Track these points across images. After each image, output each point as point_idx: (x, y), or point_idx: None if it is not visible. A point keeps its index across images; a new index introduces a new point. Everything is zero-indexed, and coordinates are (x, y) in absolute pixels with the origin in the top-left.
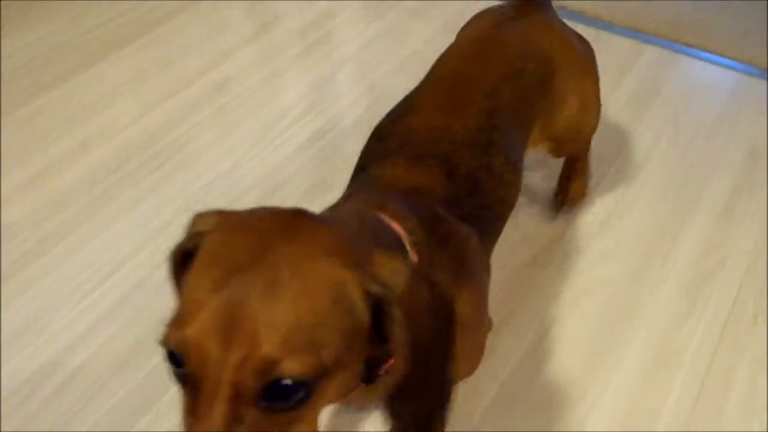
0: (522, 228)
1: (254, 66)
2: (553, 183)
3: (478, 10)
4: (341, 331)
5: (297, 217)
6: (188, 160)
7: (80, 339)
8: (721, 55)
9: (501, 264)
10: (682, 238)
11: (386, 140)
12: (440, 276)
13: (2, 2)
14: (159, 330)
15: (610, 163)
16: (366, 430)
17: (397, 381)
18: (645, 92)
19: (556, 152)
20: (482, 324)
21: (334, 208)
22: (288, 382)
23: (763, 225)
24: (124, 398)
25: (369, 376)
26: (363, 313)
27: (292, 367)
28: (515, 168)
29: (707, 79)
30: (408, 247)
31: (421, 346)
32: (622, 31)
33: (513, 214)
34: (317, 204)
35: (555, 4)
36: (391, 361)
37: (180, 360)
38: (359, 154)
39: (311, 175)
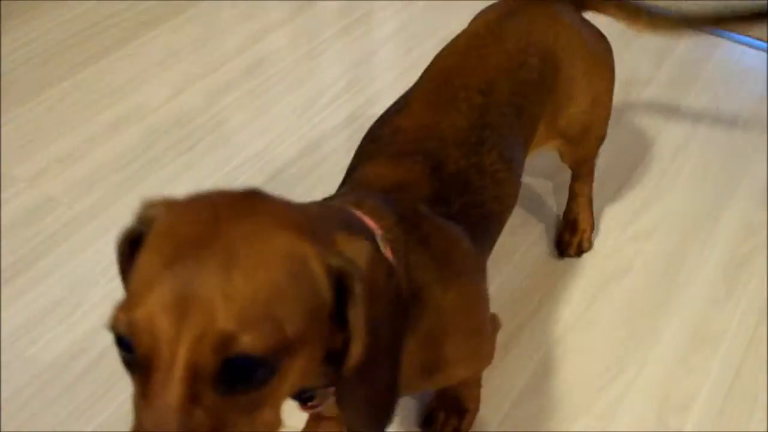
0: (558, 211)
1: (291, 46)
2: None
3: None
4: (302, 305)
5: (251, 195)
6: (220, 141)
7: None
8: (762, 40)
9: (528, 246)
10: (720, 223)
11: (376, 141)
12: (420, 276)
13: None
14: None
15: (649, 146)
16: None
17: (350, 367)
18: (685, 75)
19: (567, 153)
20: (480, 329)
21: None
22: (247, 357)
23: None
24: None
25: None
26: (325, 288)
27: (250, 342)
28: (510, 166)
29: (748, 63)
30: (381, 245)
31: (377, 329)
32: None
33: (543, 200)
34: None
35: None
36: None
37: (130, 344)
38: (352, 157)
39: (347, 156)
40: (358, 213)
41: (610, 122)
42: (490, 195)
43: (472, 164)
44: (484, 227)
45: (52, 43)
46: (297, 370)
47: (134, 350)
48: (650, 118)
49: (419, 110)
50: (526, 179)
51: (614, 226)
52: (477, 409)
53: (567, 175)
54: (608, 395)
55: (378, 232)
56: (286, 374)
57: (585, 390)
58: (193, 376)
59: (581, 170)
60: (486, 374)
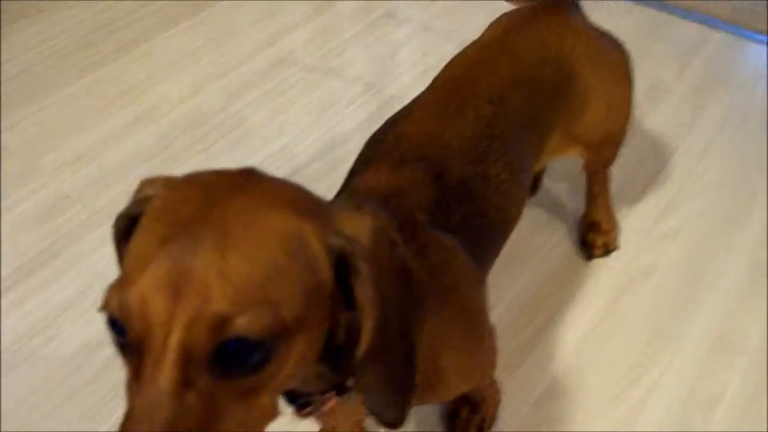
0: (576, 212)
1: (312, 45)
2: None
3: None
4: (301, 286)
5: (248, 173)
6: (239, 140)
7: None
8: None
9: (551, 247)
10: (745, 225)
11: (378, 146)
12: (417, 288)
13: None
14: None
15: (675, 148)
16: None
17: (365, 350)
18: (711, 78)
19: (589, 159)
20: (478, 342)
21: None
22: (243, 339)
23: None
24: None
25: (341, 365)
26: (325, 268)
27: (246, 324)
28: (516, 178)
29: None
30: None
31: (386, 305)
32: (690, 16)
33: (562, 202)
34: None
35: None
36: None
37: (123, 327)
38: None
39: None
40: None
41: (636, 124)
42: (494, 206)
43: (476, 174)
44: (486, 237)
45: (67, 41)
46: (295, 354)
47: (126, 333)
48: (676, 121)
49: (425, 117)
50: (545, 181)
51: (639, 227)
52: (499, 401)
53: (583, 176)
54: (632, 396)
55: None
56: (283, 359)
57: (608, 390)
58: (187, 359)
59: (600, 174)
60: (509, 373)
